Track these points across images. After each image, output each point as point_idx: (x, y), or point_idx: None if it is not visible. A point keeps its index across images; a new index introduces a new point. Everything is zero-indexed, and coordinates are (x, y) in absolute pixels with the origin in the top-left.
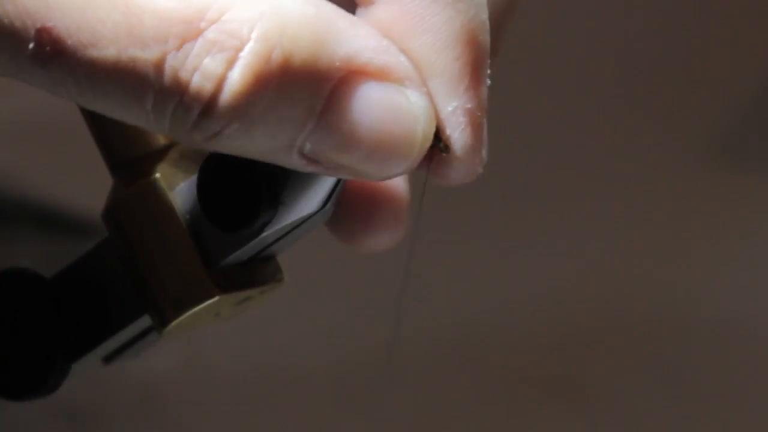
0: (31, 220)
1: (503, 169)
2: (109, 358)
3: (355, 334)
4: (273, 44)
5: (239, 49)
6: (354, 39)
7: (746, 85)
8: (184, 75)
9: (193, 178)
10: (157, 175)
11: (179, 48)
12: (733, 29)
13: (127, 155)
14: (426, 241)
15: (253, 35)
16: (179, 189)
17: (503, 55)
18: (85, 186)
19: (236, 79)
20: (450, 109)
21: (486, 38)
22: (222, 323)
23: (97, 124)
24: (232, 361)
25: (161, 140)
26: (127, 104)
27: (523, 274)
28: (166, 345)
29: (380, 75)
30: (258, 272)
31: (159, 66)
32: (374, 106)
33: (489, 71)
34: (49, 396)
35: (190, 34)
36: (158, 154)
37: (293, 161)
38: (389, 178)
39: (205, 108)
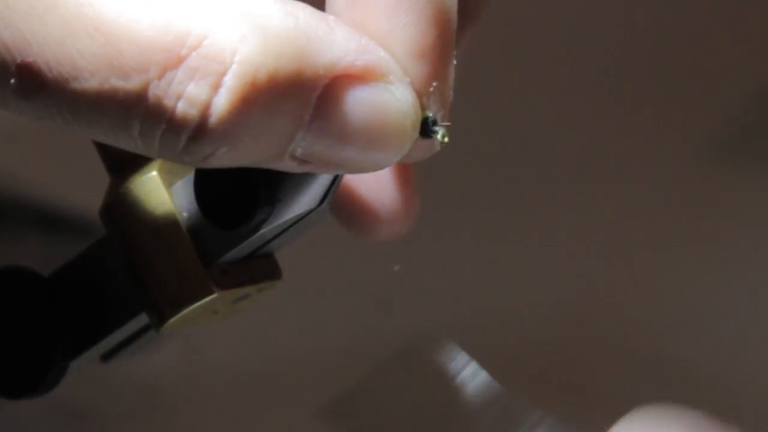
0: (30, 220)
1: (505, 169)
2: (107, 356)
3: (355, 333)
4: (256, 66)
5: (223, 74)
6: (335, 44)
7: (746, 85)
8: (168, 103)
9: (191, 176)
10: (154, 172)
11: (161, 77)
12: (733, 28)
13: (124, 153)
14: (427, 239)
15: (236, 58)
16: (176, 187)
17: (503, 54)
18: (84, 186)
19: (222, 104)
20: (431, 89)
21: (455, 17)
22: (220, 321)
23: None
24: (232, 360)
25: None
26: (114, 133)
27: (523, 274)
28: (166, 344)
29: (364, 76)
30: (256, 270)
31: (142, 95)
32: (362, 108)
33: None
34: (46, 394)
35: (171, 62)
36: None
37: (285, 165)
38: (381, 169)
39: (193, 134)
